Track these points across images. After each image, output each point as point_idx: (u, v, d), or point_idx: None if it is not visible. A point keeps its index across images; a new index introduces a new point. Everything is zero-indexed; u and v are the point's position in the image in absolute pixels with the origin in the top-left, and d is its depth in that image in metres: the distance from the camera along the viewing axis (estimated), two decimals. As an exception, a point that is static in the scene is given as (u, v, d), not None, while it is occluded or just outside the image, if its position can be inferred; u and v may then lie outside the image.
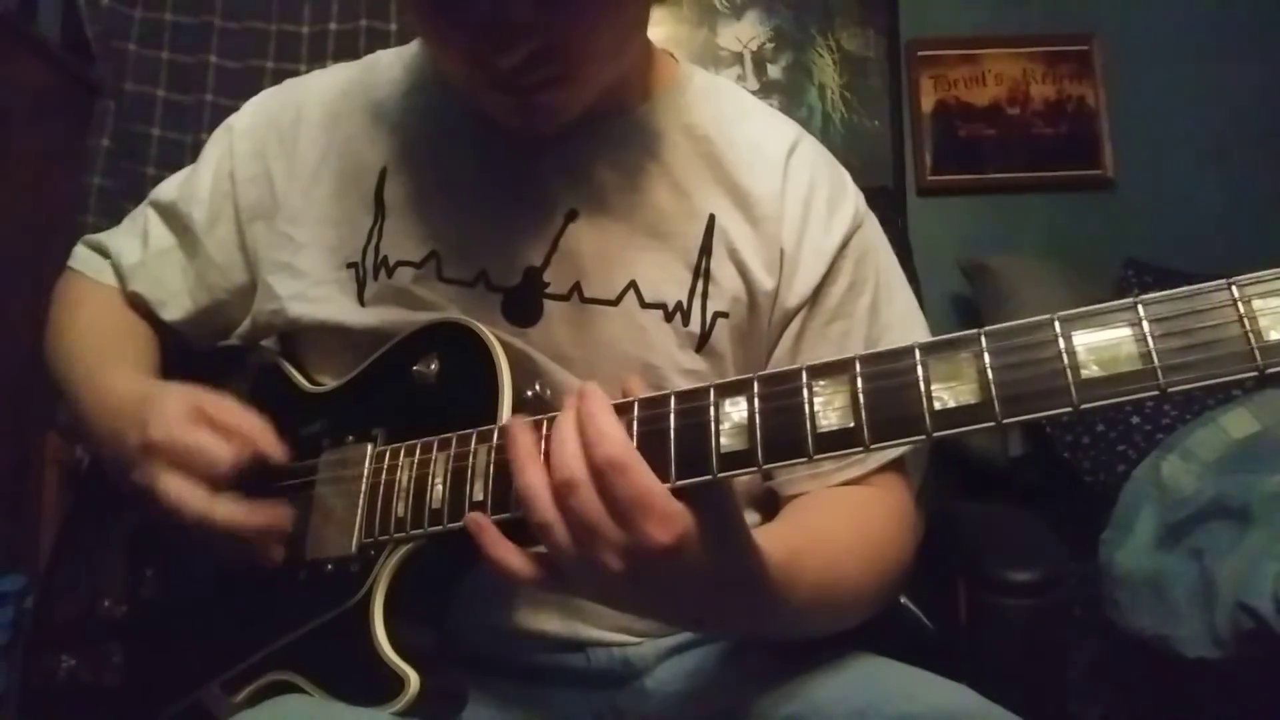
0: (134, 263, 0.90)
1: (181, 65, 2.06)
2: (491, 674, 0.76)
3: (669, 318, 0.78)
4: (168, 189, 0.92)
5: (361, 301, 0.79)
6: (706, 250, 0.79)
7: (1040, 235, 2.34)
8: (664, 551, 0.54)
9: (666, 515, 0.54)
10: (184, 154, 1.98)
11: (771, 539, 0.63)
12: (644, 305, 0.77)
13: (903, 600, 1.13)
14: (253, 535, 0.69)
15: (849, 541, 0.73)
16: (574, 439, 0.55)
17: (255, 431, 0.72)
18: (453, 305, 0.77)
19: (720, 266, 0.78)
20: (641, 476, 0.54)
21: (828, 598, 0.69)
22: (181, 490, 0.68)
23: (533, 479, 0.56)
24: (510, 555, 0.59)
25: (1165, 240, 2.22)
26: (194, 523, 0.67)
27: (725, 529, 0.58)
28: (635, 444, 0.56)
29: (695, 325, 0.78)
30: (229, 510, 0.68)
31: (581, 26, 0.66)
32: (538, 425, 0.60)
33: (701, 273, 0.78)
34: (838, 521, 0.74)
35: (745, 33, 2.39)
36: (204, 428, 0.70)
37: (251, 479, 0.70)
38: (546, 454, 0.57)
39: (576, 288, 0.77)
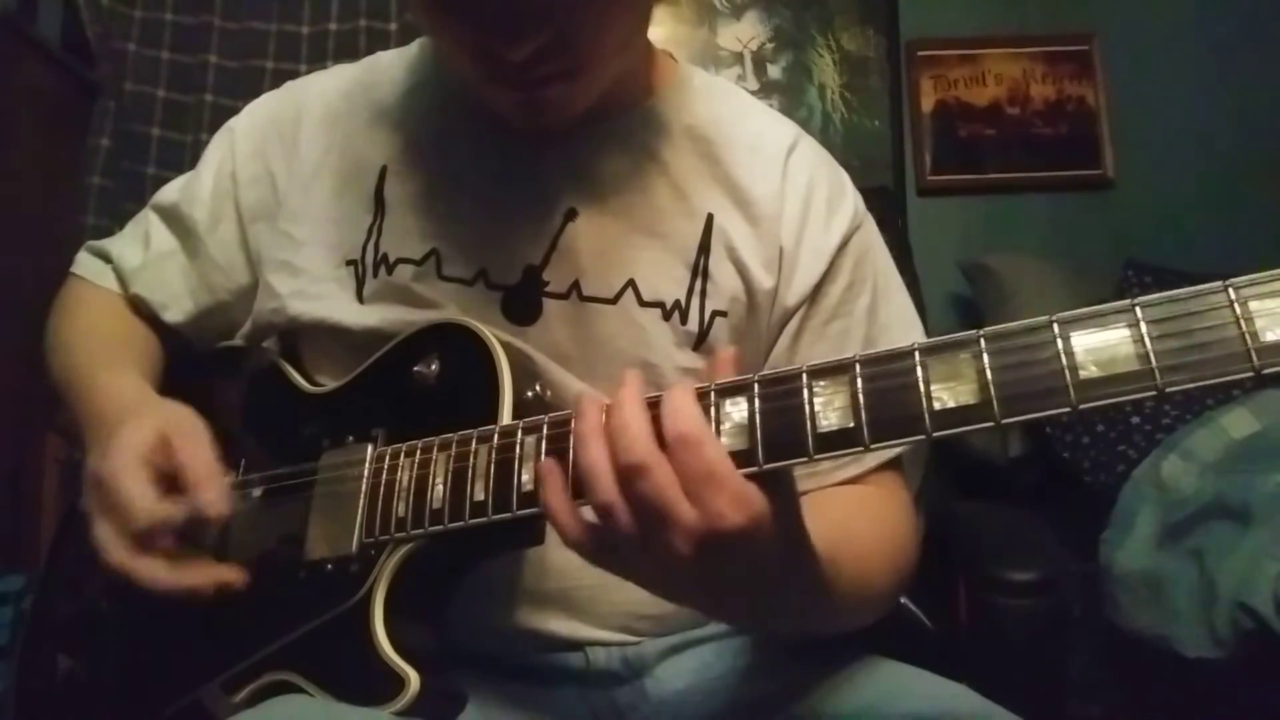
0: (135, 265, 0.90)
1: (181, 65, 2.06)
2: (491, 674, 0.76)
3: (667, 316, 0.78)
4: (169, 192, 0.92)
5: (360, 299, 0.79)
6: (705, 249, 0.79)
7: (1040, 235, 2.34)
8: (737, 533, 0.51)
9: (741, 495, 0.51)
10: (184, 154, 1.98)
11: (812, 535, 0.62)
12: (642, 304, 0.77)
13: (903, 600, 1.13)
14: (171, 598, 0.68)
15: (874, 539, 0.73)
16: (642, 418, 0.53)
17: (199, 490, 0.68)
18: (452, 303, 0.77)
19: (718, 265, 0.79)
20: (717, 451, 0.52)
21: (859, 593, 0.69)
22: (107, 538, 0.67)
23: (597, 457, 0.54)
24: (568, 513, 0.56)
25: (1165, 240, 2.23)
26: (114, 574, 0.67)
27: (791, 519, 0.56)
28: None
29: (694, 324, 0.78)
30: (149, 570, 0.67)
31: (591, 19, 0.66)
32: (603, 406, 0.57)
33: (700, 272, 0.78)
34: (863, 520, 0.74)
35: (745, 33, 2.39)
36: (141, 472, 0.67)
37: (190, 533, 0.69)
38: (609, 435, 0.54)
39: (575, 286, 0.77)
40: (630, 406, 0.54)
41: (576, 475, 0.56)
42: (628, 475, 0.52)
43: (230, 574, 0.70)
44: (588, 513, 0.56)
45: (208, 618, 0.74)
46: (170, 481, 0.69)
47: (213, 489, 0.68)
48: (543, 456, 0.61)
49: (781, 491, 0.54)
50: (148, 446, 0.68)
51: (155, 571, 0.67)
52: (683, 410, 0.53)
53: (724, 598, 0.59)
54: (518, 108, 0.72)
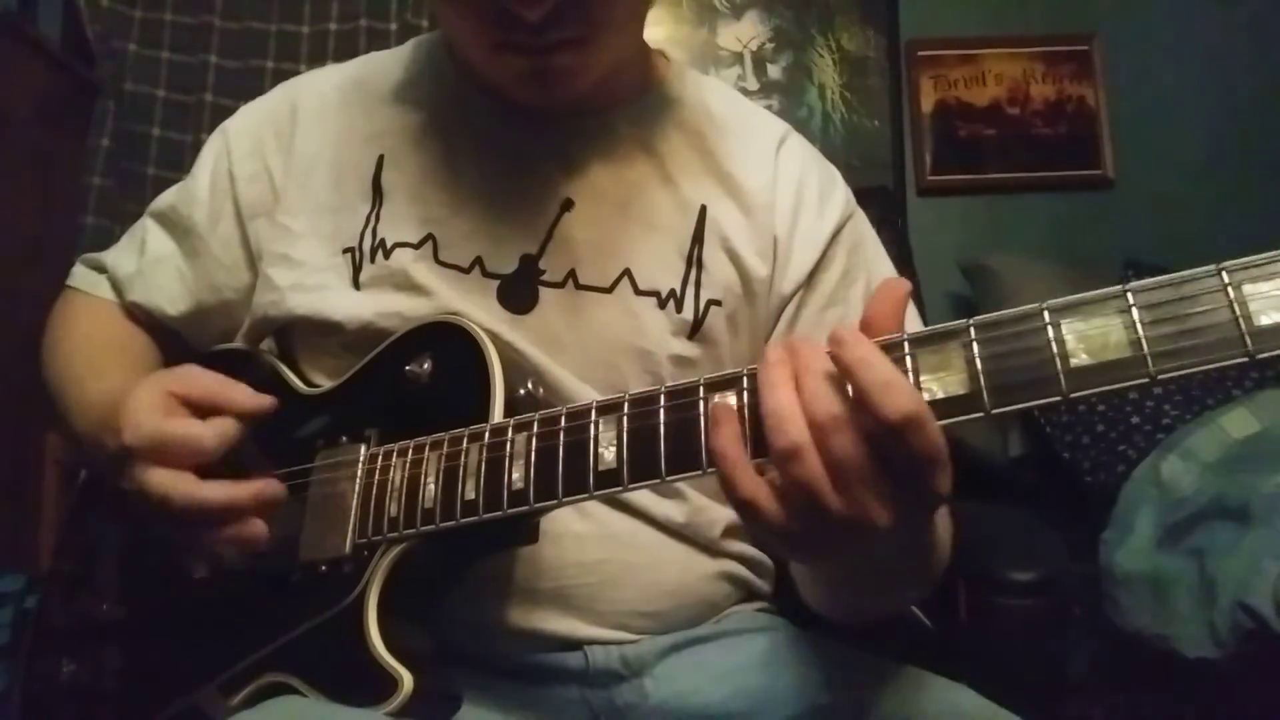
0: (130, 272, 0.90)
1: (181, 65, 2.06)
2: (488, 674, 0.75)
3: (662, 305, 0.78)
4: (165, 198, 0.92)
5: (357, 285, 0.79)
6: (699, 239, 0.80)
7: (1040, 235, 2.34)
8: (940, 502, 0.50)
9: (948, 465, 0.49)
10: (184, 154, 1.98)
11: None
12: (638, 292, 0.78)
13: (903, 600, 1.12)
14: (246, 507, 0.67)
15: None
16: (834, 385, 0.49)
17: (232, 395, 0.70)
18: (449, 289, 0.77)
19: (712, 255, 0.80)
20: (937, 428, 0.48)
21: (935, 560, 0.69)
22: (165, 481, 0.66)
23: (785, 399, 0.49)
24: (742, 462, 0.51)
25: (1165, 240, 2.22)
26: (185, 509, 0.66)
27: None
28: (627, 443, 0.57)
29: (689, 312, 0.79)
30: (217, 489, 0.67)
31: None
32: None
33: (694, 261, 0.79)
34: None
35: (745, 33, 2.39)
36: (176, 415, 0.68)
37: (242, 449, 0.70)
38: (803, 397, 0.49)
39: (571, 275, 0.78)
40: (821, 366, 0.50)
41: (762, 418, 0.50)
42: (831, 425, 0.48)
43: (275, 483, 0.70)
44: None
45: (205, 620, 0.74)
46: None
47: (242, 392, 0.70)
48: (531, 455, 0.61)
49: None
50: (162, 402, 0.69)
51: (223, 488, 0.67)
52: (895, 385, 0.47)
53: (865, 552, 0.55)
54: (527, 77, 0.72)
